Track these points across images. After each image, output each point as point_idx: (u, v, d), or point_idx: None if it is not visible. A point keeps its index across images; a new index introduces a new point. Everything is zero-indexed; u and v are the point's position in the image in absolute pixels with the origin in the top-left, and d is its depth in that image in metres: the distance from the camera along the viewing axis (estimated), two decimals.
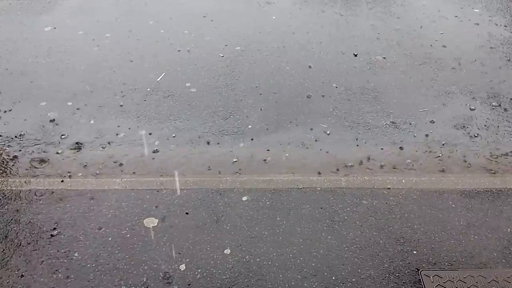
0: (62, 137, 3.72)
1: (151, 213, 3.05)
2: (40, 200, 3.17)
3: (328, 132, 3.75)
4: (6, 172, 3.43)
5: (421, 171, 3.39)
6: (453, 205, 3.10)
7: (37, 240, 2.88)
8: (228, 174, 3.38)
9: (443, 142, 3.65)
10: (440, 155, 3.54)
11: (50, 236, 2.90)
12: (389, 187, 3.23)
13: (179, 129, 3.80)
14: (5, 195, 3.21)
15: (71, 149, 3.61)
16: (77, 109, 4.01)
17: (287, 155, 3.55)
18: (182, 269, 2.71)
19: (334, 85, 4.28)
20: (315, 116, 3.91)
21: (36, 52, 4.79)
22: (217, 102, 4.08)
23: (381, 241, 2.86)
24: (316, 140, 3.68)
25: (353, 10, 5.59)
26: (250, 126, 3.82)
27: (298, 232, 2.92)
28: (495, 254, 2.77)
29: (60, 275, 2.68)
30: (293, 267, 2.71)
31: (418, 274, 2.67)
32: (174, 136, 3.73)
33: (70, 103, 4.07)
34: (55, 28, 5.22)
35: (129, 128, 3.80)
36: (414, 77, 4.39)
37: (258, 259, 2.76)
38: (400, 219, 3.00)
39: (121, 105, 4.05)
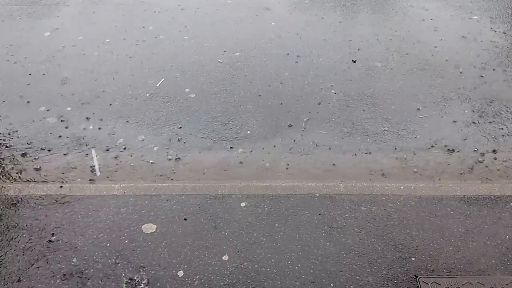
0: (61, 142, 3.73)
1: (149, 219, 3.05)
2: (39, 205, 3.17)
3: (326, 138, 3.75)
4: (4, 177, 3.43)
5: (419, 178, 3.40)
6: (452, 212, 3.10)
7: (35, 246, 2.87)
8: (226, 180, 3.38)
9: (442, 149, 3.65)
10: (439, 161, 3.54)
11: (48, 242, 2.90)
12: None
13: (178, 135, 3.80)
14: (4, 200, 3.21)
15: (70, 154, 3.61)
16: (76, 114, 4.02)
17: (286, 161, 3.56)
18: (180, 275, 2.70)
19: (333, 91, 4.29)
20: (314, 122, 3.92)
21: (35, 56, 4.80)
22: (216, 108, 4.09)
23: (379, 248, 2.85)
24: (314, 146, 3.68)
25: (353, 16, 5.62)
26: (249, 132, 3.83)
27: (297, 239, 2.91)
28: (493, 261, 2.77)
29: (58, 280, 2.67)
30: (291, 273, 2.71)
31: (417, 281, 2.66)
32: (173, 142, 3.73)
33: (69, 108, 4.08)
34: (55, 33, 5.24)
35: (128, 134, 3.81)
36: (413, 83, 4.40)
37: (256, 266, 2.75)
38: (398, 225, 3.00)
39: (120, 111, 4.05)
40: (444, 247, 2.86)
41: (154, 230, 2.98)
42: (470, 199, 3.20)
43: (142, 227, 3.00)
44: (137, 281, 2.68)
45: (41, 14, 5.64)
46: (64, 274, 2.71)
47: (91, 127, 3.88)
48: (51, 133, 3.82)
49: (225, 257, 2.80)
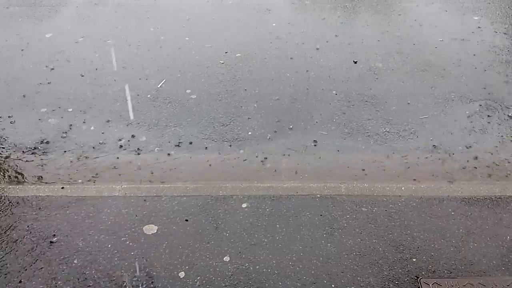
0: (63, 143, 3.73)
1: (150, 220, 3.06)
2: (40, 206, 3.17)
3: (327, 139, 3.75)
4: (6, 178, 3.43)
5: (420, 178, 3.40)
6: (453, 213, 3.10)
7: (36, 247, 2.88)
8: (228, 181, 3.38)
9: (443, 150, 3.65)
10: (440, 162, 3.54)
11: (49, 243, 2.90)
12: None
13: (179, 136, 3.81)
14: (5, 202, 3.22)
15: (71, 155, 3.62)
16: (78, 115, 4.02)
17: (287, 162, 3.56)
18: (181, 277, 2.70)
19: (334, 92, 4.29)
20: (315, 123, 3.92)
21: (37, 58, 4.81)
22: (218, 109, 4.10)
23: (380, 249, 2.85)
24: (315, 147, 3.68)
25: (353, 17, 5.62)
26: (250, 133, 3.83)
27: (298, 239, 2.92)
28: (494, 262, 2.77)
29: (59, 282, 2.68)
30: (292, 274, 2.71)
31: (418, 282, 2.66)
32: (174, 143, 3.74)
33: (70, 110, 4.09)
34: (56, 34, 5.25)
35: (130, 135, 3.81)
36: (413, 84, 4.40)
37: (257, 267, 2.76)
38: (399, 226, 3.00)
39: (121, 112, 4.06)
40: (445, 248, 2.86)
41: (155, 231, 2.99)
42: (471, 200, 3.20)
43: (143, 228, 3.00)
44: (138, 282, 2.68)
45: (42, 15, 5.65)
46: (65, 276, 2.71)
47: (92, 128, 3.89)
48: (52, 134, 3.82)
49: (227, 258, 2.80)
